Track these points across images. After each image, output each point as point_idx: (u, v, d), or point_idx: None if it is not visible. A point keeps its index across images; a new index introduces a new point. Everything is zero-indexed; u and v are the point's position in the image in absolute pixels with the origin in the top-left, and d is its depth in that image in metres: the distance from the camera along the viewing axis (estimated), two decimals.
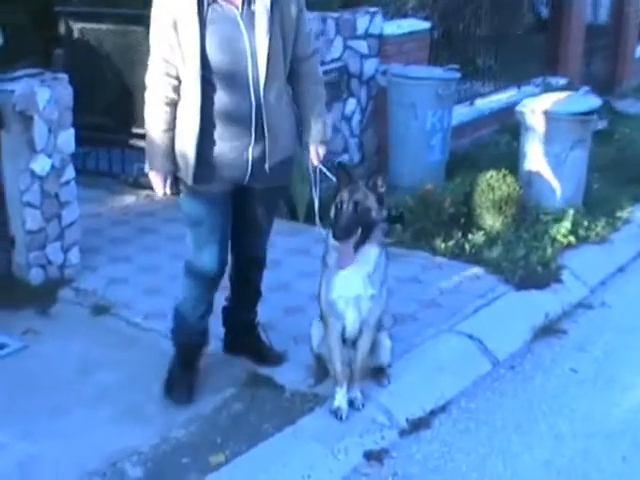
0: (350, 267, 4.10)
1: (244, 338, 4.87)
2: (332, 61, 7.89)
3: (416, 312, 5.64)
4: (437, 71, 8.04)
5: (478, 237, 6.72)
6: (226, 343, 4.94)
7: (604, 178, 8.06)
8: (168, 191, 4.22)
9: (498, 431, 4.58)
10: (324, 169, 4.50)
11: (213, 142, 4.05)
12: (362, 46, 8.18)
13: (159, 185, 4.20)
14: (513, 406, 4.83)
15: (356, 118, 8.34)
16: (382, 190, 4.19)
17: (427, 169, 7.89)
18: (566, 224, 6.83)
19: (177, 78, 4.00)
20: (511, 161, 7.60)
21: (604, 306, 6.07)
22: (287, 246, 6.60)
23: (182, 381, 4.61)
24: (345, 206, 4.05)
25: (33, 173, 5.62)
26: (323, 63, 7.71)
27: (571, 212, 6.96)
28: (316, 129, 4.41)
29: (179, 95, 4.03)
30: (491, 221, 6.89)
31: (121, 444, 4.24)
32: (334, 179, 4.27)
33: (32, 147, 5.57)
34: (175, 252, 6.02)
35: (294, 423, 4.39)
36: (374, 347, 4.58)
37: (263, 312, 5.00)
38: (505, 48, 10.55)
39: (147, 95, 4.10)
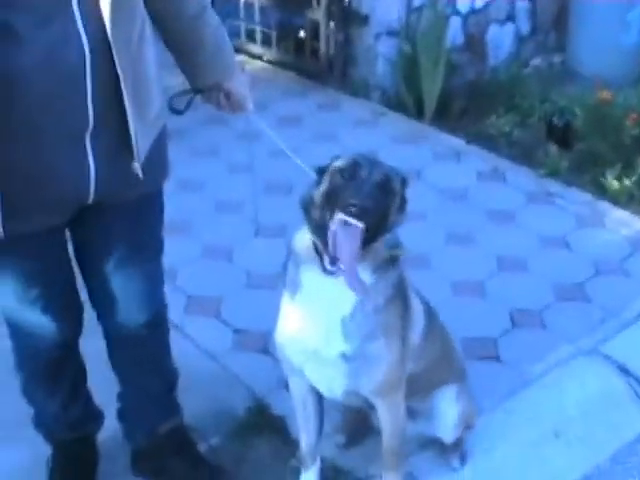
0: (358, 288, 2.19)
1: (160, 461, 2.81)
2: None
3: (547, 308, 3.68)
4: None
5: None
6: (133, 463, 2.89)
7: None
8: None
9: None
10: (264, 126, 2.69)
11: (25, 140, 2.04)
12: None
13: None
14: None
15: None
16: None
17: (619, 55, 5.81)
18: None
19: None
20: None
21: None
22: (400, 156, 4.73)
23: None
24: (364, 173, 2.18)
25: None
26: None
27: None
28: (229, 54, 2.52)
29: None
30: None
31: None
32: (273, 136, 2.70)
33: None
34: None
35: None
36: (429, 416, 2.76)
37: None
38: None
39: None
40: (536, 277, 3.88)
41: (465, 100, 5.38)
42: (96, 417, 2.82)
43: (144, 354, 2.66)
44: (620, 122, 4.64)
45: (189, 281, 3.81)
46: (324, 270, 2.16)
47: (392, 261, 2.30)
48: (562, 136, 4.89)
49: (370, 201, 2.10)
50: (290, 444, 2.97)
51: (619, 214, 4.34)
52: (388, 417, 2.55)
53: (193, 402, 3.13)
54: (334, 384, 2.46)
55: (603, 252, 4.05)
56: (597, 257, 4.01)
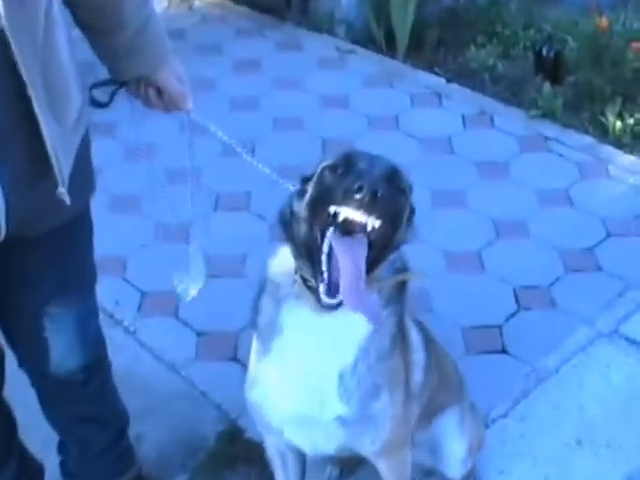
0: (371, 312, 1.61)
1: None
2: None
3: (555, 283, 3.22)
4: None
5: None
6: None
7: None
8: None
9: None
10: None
11: None
12: None
13: None
14: None
15: None
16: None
17: None
18: None
19: None
20: None
21: None
22: (374, 101, 4.33)
23: None
24: (364, 165, 1.61)
25: None
26: None
27: None
28: (157, 37, 1.92)
29: None
30: None
31: None
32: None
33: None
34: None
35: None
36: (432, 449, 2.29)
37: None
38: None
39: None
40: (539, 244, 3.40)
41: (441, 30, 4.81)
42: (34, 474, 2.31)
43: (81, 405, 2.15)
44: (621, 54, 4.11)
45: (141, 272, 3.29)
46: (320, 303, 1.60)
47: (400, 289, 1.78)
48: (552, 68, 4.35)
49: (381, 188, 1.51)
50: (269, 478, 2.49)
51: (624, 160, 3.86)
52: (393, 475, 2.07)
53: (153, 429, 2.68)
54: (324, 446, 1.96)
55: (611, 207, 3.57)
56: (605, 214, 3.53)
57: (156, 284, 3.23)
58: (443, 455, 2.29)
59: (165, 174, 3.63)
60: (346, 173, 1.59)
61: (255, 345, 1.88)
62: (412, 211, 1.70)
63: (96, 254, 2.09)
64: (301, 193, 1.69)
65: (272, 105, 4.35)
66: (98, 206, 3.49)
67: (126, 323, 3.07)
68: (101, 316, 2.93)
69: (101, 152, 3.66)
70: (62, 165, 1.63)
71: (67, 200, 1.66)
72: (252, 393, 1.91)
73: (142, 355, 2.96)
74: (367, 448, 1.93)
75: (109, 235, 3.39)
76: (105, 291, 3.08)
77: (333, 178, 1.60)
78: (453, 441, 2.26)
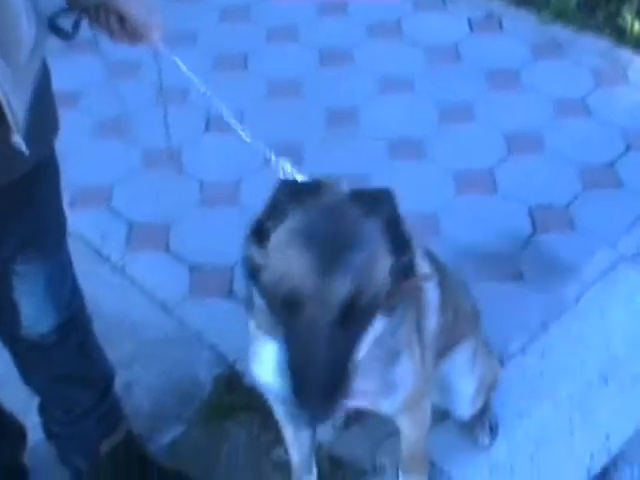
0: None
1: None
2: None
3: (574, 201, 3.00)
4: None
5: None
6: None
7: None
8: None
9: None
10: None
11: None
12: None
13: None
14: None
15: None
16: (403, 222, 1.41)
17: None
18: None
19: None
20: None
21: None
22: (373, 5, 4.04)
23: None
24: (316, 312, 1.29)
25: None
26: None
27: None
28: None
29: None
30: None
31: None
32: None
33: None
34: None
35: None
36: (440, 386, 2.10)
37: None
38: None
39: None
40: (555, 159, 3.16)
41: None
42: (15, 438, 2.13)
43: (60, 365, 1.95)
44: None
45: (129, 202, 3.07)
46: None
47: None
48: None
49: (335, 375, 1.30)
50: (271, 428, 2.31)
51: None
52: (412, 427, 1.91)
53: (144, 376, 2.51)
54: None
55: (632, 117, 3.32)
56: (626, 125, 3.28)
57: (145, 215, 3.01)
58: (452, 393, 2.12)
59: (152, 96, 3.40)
60: (295, 316, 1.32)
61: (255, 332, 1.66)
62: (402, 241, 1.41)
63: (79, 183, 1.88)
64: (260, 238, 1.40)
65: (265, 14, 4.05)
66: (81, 131, 3.30)
67: (114, 259, 2.86)
68: (87, 252, 2.76)
69: (82, 71, 3.45)
70: (16, 111, 1.39)
71: (24, 149, 1.42)
72: (258, 369, 1.71)
73: (131, 294, 2.76)
74: (388, 409, 1.78)
75: (93, 162, 3.17)
76: (90, 224, 2.93)
77: (282, 312, 1.35)
78: (462, 378, 2.08)
